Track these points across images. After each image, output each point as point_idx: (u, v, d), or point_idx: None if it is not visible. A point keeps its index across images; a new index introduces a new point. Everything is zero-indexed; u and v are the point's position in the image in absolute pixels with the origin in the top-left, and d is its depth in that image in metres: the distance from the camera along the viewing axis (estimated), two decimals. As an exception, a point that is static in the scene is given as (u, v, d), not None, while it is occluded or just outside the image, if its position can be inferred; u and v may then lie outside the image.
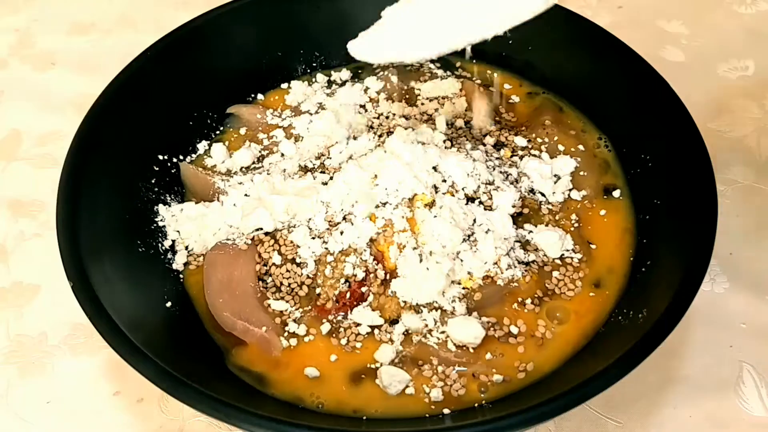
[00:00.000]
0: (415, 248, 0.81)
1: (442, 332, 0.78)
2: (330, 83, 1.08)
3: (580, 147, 0.97)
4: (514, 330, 0.79)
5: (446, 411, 0.73)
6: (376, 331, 0.79)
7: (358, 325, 0.80)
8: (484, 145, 0.94)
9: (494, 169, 0.89)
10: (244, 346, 0.80)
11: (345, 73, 1.09)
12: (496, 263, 0.82)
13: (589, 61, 1.00)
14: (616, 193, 0.92)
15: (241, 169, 0.96)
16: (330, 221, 0.84)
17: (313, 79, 1.09)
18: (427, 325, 0.79)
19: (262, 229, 0.86)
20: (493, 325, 0.79)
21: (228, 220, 0.88)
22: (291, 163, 0.94)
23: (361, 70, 1.09)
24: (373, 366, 0.77)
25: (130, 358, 0.66)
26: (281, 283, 0.83)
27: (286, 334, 0.80)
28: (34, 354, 0.88)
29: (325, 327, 0.80)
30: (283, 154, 0.96)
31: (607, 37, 0.96)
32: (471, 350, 0.78)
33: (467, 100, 1.01)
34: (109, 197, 0.84)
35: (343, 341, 0.79)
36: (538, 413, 0.63)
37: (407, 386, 0.76)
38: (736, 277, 0.92)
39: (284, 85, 1.08)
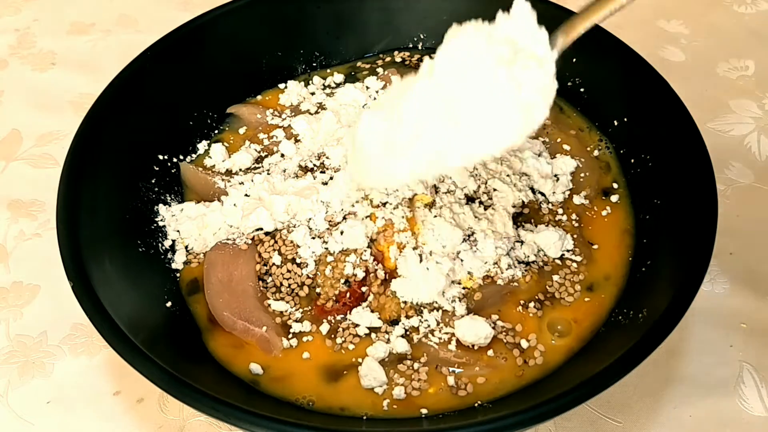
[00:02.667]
0: (415, 248, 0.81)
1: (446, 332, 0.78)
2: (325, 86, 1.08)
3: (581, 147, 0.97)
4: (524, 345, 0.78)
5: (424, 411, 0.73)
6: (374, 333, 0.79)
7: (357, 325, 0.80)
8: None
9: (501, 162, 0.89)
10: (240, 343, 0.80)
11: (340, 77, 1.08)
12: (496, 263, 0.82)
13: (589, 61, 1.00)
14: (616, 194, 0.92)
15: (241, 169, 0.96)
16: (330, 221, 0.84)
17: (310, 81, 1.09)
18: (429, 326, 0.79)
19: (262, 229, 0.86)
20: (506, 332, 0.79)
21: (228, 220, 0.88)
22: (291, 163, 0.93)
23: (356, 72, 1.09)
24: (360, 359, 0.77)
25: (130, 358, 0.66)
26: (281, 284, 0.83)
27: (290, 335, 0.80)
28: (34, 354, 0.88)
29: (325, 327, 0.80)
30: (283, 155, 0.96)
31: (607, 37, 0.96)
32: (474, 350, 0.78)
33: None
34: (109, 197, 0.84)
35: (339, 340, 0.79)
36: (538, 413, 0.63)
37: (381, 386, 0.75)
38: (736, 277, 0.92)
39: (281, 85, 1.08)
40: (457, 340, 0.78)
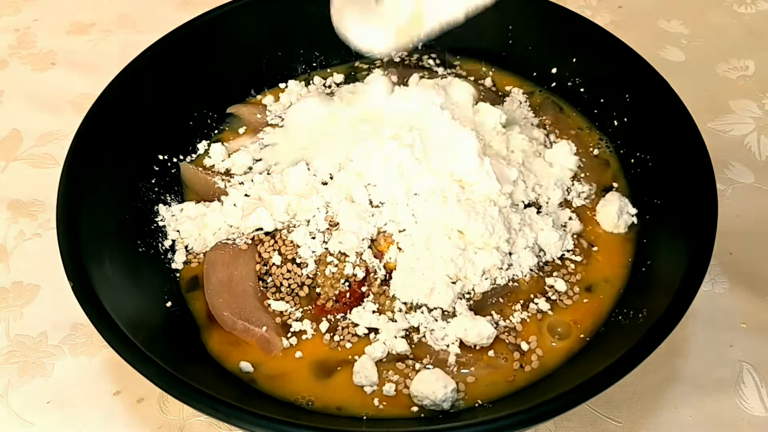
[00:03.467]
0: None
1: (446, 332, 0.78)
2: (325, 86, 1.08)
3: (581, 147, 0.97)
4: (524, 347, 0.78)
5: (414, 408, 0.73)
6: (373, 333, 0.79)
7: (356, 325, 0.79)
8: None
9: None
10: (237, 341, 0.80)
11: (340, 77, 1.08)
12: (497, 263, 0.81)
13: (589, 61, 1.00)
14: (615, 187, 0.92)
15: (241, 169, 0.96)
16: (330, 221, 0.84)
17: (311, 81, 1.09)
18: (429, 326, 0.79)
19: (262, 229, 0.86)
20: (508, 331, 0.79)
21: (228, 220, 0.88)
22: (291, 162, 0.93)
23: (355, 72, 1.09)
24: (356, 357, 0.77)
25: (130, 358, 0.66)
26: (281, 284, 0.83)
27: (289, 334, 0.80)
28: (34, 354, 0.88)
29: (324, 326, 0.80)
30: (283, 154, 0.96)
31: (607, 37, 0.96)
32: (475, 350, 0.78)
33: None
34: (109, 197, 0.84)
35: (337, 338, 0.79)
36: (538, 413, 0.63)
37: (370, 386, 0.75)
38: (736, 277, 0.92)
39: (282, 85, 1.08)
40: (459, 340, 0.78)
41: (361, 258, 0.81)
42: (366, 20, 0.76)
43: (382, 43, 0.76)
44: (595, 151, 0.97)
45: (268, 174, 0.92)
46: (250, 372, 0.77)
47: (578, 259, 0.85)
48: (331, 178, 0.88)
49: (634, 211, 0.88)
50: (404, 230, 0.82)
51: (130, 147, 0.90)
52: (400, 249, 0.81)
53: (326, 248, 0.82)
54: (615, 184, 0.93)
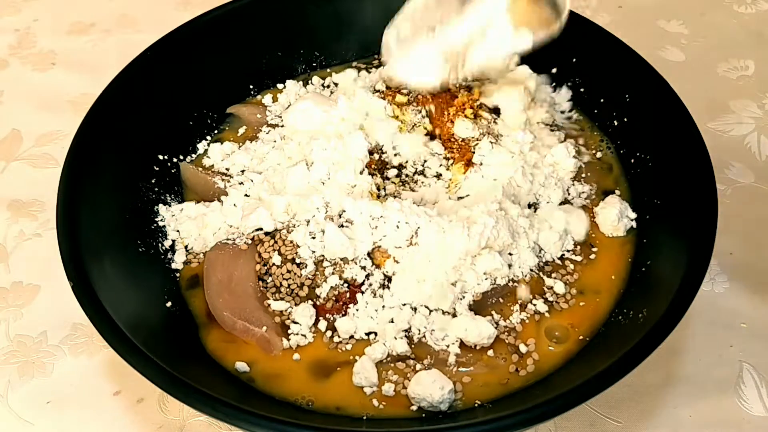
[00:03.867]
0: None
1: (447, 332, 0.78)
2: (324, 86, 1.08)
3: (581, 147, 0.96)
4: (523, 349, 0.78)
5: (413, 408, 0.73)
6: (373, 333, 0.79)
7: (356, 327, 0.79)
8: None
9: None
10: (236, 339, 0.80)
11: (338, 77, 1.08)
12: (498, 266, 0.81)
13: (589, 61, 1.00)
14: (617, 193, 0.92)
15: (240, 169, 0.96)
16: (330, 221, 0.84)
17: (309, 81, 1.09)
18: (429, 326, 0.79)
19: (262, 229, 0.86)
20: (508, 332, 0.79)
21: (228, 220, 0.88)
22: (290, 163, 0.93)
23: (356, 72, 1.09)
24: (356, 357, 0.77)
25: (130, 358, 0.66)
26: (281, 284, 0.82)
27: (289, 334, 0.79)
28: (34, 354, 0.88)
29: (323, 325, 0.80)
30: (283, 154, 0.96)
31: (607, 37, 0.96)
32: (475, 350, 0.77)
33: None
34: (109, 197, 0.84)
35: (337, 339, 0.79)
36: (538, 413, 0.63)
37: (370, 387, 0.75)
38: (736, 277, 0.92)
39: (280, 85, 1.08)
40: (459, 340, 0.78)
41: (360, 260, 0.81)
42: (415, 58, 0.86)
43: (428, 79, 0.86)
44: (599, 154, 0.97)
45: (268, 174, 0.92)
46: (247, 371, 0.77)
47: (578, 259, 0.85)
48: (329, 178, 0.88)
49: (633, 215, 0.88)
50: (400, 247, 0.82)
51: (130, 147, 0.90)
52: (396, 261, 0.81)
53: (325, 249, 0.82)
54: (617, 191, 0.93)
